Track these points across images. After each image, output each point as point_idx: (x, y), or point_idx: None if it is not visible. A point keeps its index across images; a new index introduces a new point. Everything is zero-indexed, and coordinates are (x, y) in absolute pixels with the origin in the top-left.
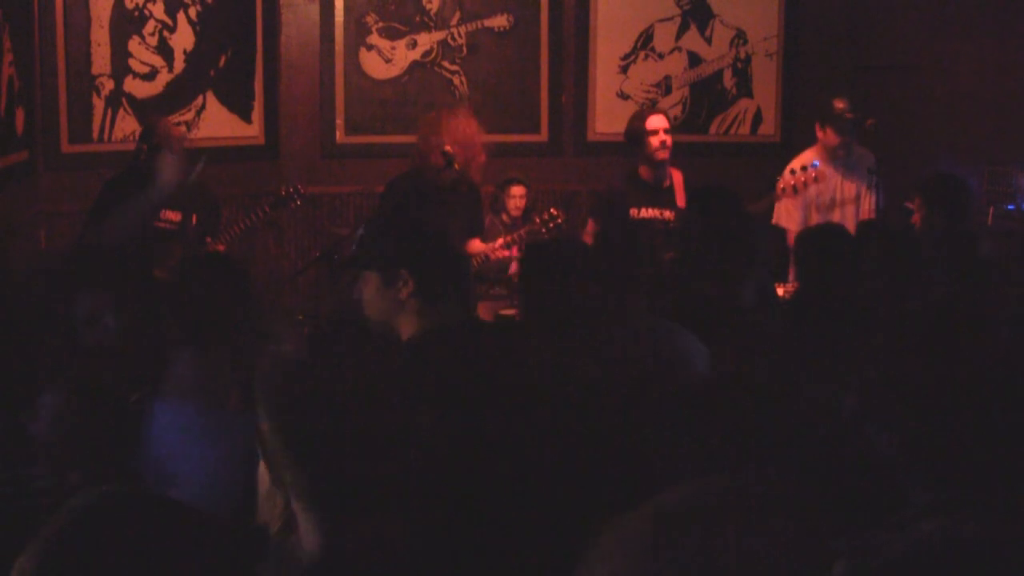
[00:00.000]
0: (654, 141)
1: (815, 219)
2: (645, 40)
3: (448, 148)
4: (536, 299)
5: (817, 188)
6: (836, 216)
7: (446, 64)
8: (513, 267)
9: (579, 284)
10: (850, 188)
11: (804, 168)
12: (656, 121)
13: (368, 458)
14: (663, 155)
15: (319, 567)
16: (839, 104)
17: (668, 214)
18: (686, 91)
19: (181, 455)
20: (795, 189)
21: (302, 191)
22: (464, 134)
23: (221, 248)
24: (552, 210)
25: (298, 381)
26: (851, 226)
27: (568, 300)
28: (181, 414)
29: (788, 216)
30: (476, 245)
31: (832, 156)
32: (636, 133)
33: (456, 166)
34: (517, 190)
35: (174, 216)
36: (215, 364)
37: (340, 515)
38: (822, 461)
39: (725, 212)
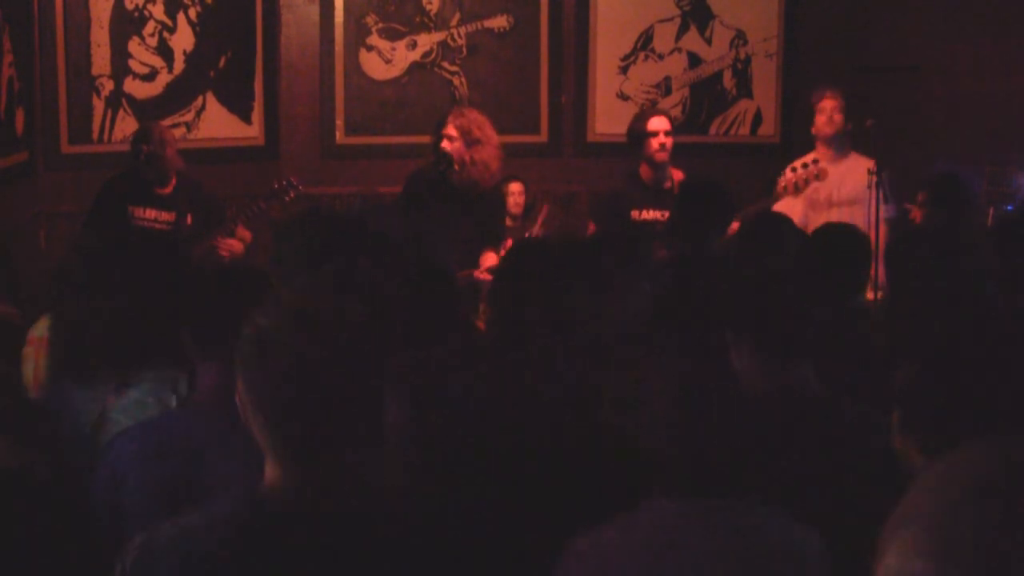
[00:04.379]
0: (654, 143)
1: (811, 217)
2: (645, 41)
3: (445, 146)
4: (512, 304)
5: (814, 185)
6: (835, 215)
7: (446, 65)
8: None
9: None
10: (848, 188)
11: (805, 165)
12: (657, 123)
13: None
14: (662, 156)
15: (276, 497)
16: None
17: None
18: (686, 92)
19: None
20: (796, 186)
21: (295, 183)
22: (469, 126)
23: (223, 242)
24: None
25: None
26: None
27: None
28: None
29: (789, 212)
30: (491, 258)
31: (825, 152)
32: (637, 134)
33: (456, 167)
34: (515, 187)
35: (168, 216)
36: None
37: (300, 460)
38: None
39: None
